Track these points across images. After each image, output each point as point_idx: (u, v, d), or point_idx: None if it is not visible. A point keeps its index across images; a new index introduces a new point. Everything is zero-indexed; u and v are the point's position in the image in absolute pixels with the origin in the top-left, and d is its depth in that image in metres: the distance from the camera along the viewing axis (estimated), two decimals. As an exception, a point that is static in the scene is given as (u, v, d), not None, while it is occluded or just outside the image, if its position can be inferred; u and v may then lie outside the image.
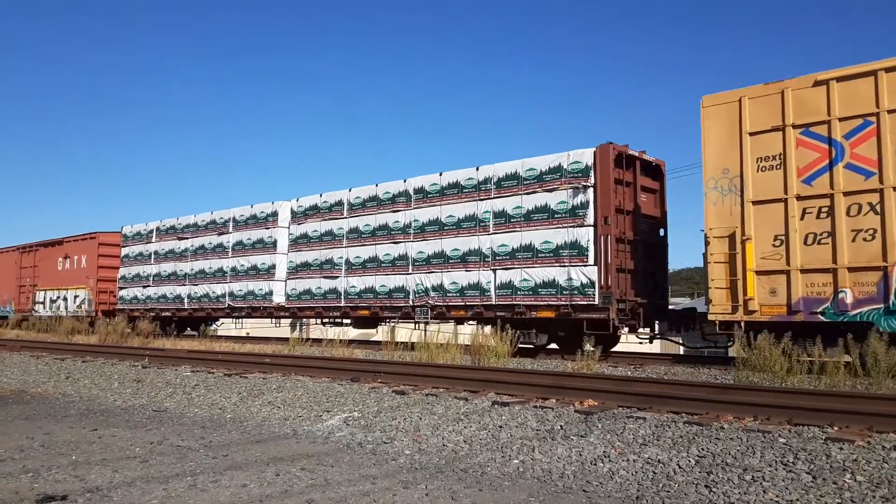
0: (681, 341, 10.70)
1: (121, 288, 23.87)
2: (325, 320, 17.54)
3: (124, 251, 24.03)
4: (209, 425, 7.16)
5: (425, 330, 14.66)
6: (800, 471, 4.46)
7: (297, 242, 18.07)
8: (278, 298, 18.10)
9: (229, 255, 19.85)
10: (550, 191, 12.94)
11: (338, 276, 16.73)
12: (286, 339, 18.63)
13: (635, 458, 5.03)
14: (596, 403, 6.71)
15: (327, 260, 17.09)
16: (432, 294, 14.53)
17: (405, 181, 15.61)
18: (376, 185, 16.33)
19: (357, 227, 16.55)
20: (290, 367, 10.38)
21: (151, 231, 22.90)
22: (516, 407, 6.71)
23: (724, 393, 6.70)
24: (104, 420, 7.59)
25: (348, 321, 17.06)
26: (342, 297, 16.53)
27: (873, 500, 3.98)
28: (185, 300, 20.97)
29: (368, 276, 16.05)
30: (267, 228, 18.84)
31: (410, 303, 14.94)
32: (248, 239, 19.32)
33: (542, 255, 12.82)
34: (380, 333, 21.25)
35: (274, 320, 20.23)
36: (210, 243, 20.61)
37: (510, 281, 13.26)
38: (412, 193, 15.36)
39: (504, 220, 13.60)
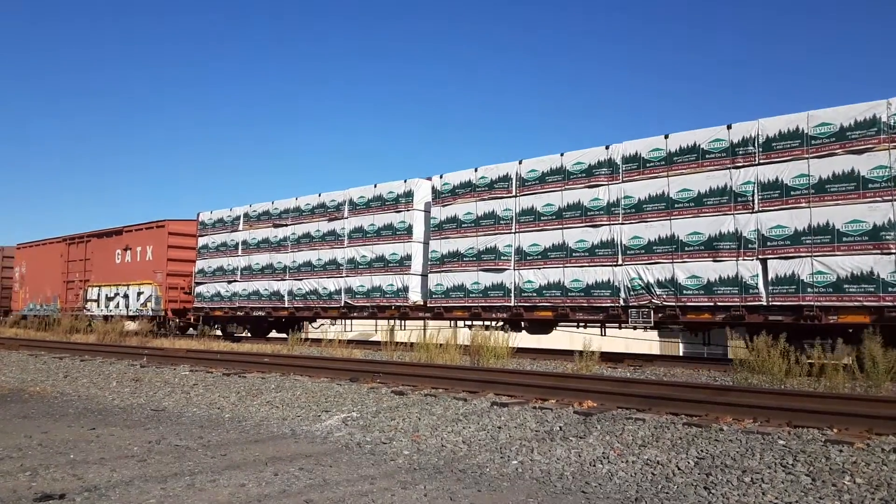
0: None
1: (198, 283, 20.39)
2: (486, 323, 13.99)
3: (202, 241, 20.52)
4: (207, 425, 7.15)
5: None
6: (799, 473, 4.46)
7: (443, 228, 14.63)
8: (415, 296, 15.05)
9: (344, 244, 16.56)
10: (859, 152, 9.83)
11: (504, 269, 13.47)
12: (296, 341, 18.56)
13: (634, 460, 5.03)
14: (595, 404, 6.71)
15: (488, 248, 13.75)
16: (658, 291, 11.40)
17: (607, 148, 12.36)
18: (561, 155, 12.98)
19: (532, 208, 13.17)
20: (288, 367, 10.38)
21: (238, 217, 19.48)
22: (515, 408, 6.71)
23: (723, 394, 6.70)
24: (102, 419, 7.58)
25: (499, 323, 13.86)
26: (511, 294, 13.31)
27: (872, 503, 3.98)
28: (286, 297, 17.67)
29: (552, 267, 12.75)
30: (398, 212, 15.55)
31: (620, 302, 11.83)
32: (371, 225, 16.06)
33: (849, 238, 9.79)
34: (378, 334, 21.13)
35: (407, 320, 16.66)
36: (318, 231, 17.24)
37: (793, 273, 10.20)
38: (620, 163, 12.09)
39: (778, 193, 10.46)
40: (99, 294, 24.00)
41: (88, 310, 24.20)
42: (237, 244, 19.45)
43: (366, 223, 16.26)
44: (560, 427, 5.98)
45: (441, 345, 11.59)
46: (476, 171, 14.31)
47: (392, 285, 15.41)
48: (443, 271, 14.60)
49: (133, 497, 4.37)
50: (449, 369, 9.33)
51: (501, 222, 13.70)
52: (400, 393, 7.88)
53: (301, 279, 17.43)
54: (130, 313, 22.25)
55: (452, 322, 14.77)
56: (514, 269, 13.36)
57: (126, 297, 22.70)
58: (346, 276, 16.40)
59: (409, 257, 15.24)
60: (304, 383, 8.95)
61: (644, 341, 16.83)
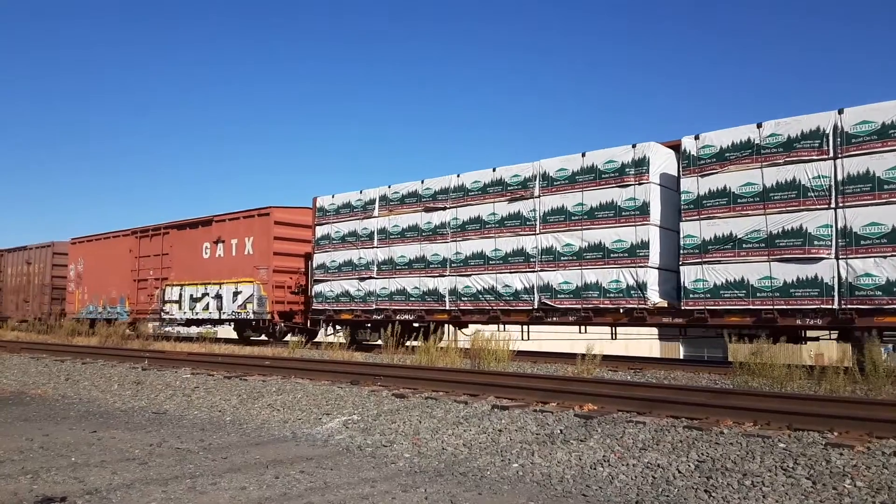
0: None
1: (317, 281, 16.96)
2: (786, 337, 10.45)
3: (321, 231, 17.02)
4: (209, 428, 7.16)
5: (434, 334, 13.09)
6: (799, 476, 4.46)
7: (703, 205, 11.11)
8: (654, 295, 11.74)
9: (536, 229, 13.04)
10: None
11: (820, 257, 9.99)
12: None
13: (635, 463, 5.04)
14: (596, 408, 6.71)
15: (789, 230, 10.24)
16: None
17: None
18: None
19: (868, 172, 9.70)
20: (289, 370, 10.38)
21: (372, 201, 16.04)
22: (516, 411, 6.71)
23: (723, 397, 6.70)
24: (104, 422, 7.59)
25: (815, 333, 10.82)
26: (833, 292, 9.86)
27: (873, 506, 3.98)
28: (447, 297, 14.29)
29: None
30: (623, 186, 12.05)
31: None
32: (579, 205, 12.53)
33: None
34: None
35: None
36: (493, 214, 13.76)
37: None
38: None
39: None
40: (181, 294, 20.51)
41: (167, 312, 20.93)
42: (371, 233, 15.99)
43: (569, 202, 12.67)
44: (561, 430, 5.98)
45: (442, 348, 11.60)
46: (760, 126, 10.75)
47: (617, 281, 11.95)
48: (706, 262, 11.06)
49: (134, 500, 4.38)
50: (450, 372, 9.33)
51: (810, 194, 10.13)
52: (401, 396, 7.89)
53: (469, 274, 13.98)
54: (224, 316, 19.10)
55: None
56: (838, 259, 9.88)
57: (218, 297, 19.26)
58: (541, 271, 12.90)
59: (643, 245, 11.75)
60: (305, 386, 8.96)
61: (644, 345, 16.83)
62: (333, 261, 16.66)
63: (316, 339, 18.72)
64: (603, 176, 12.39)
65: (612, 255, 12.13)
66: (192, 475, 5.01)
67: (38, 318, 26.10)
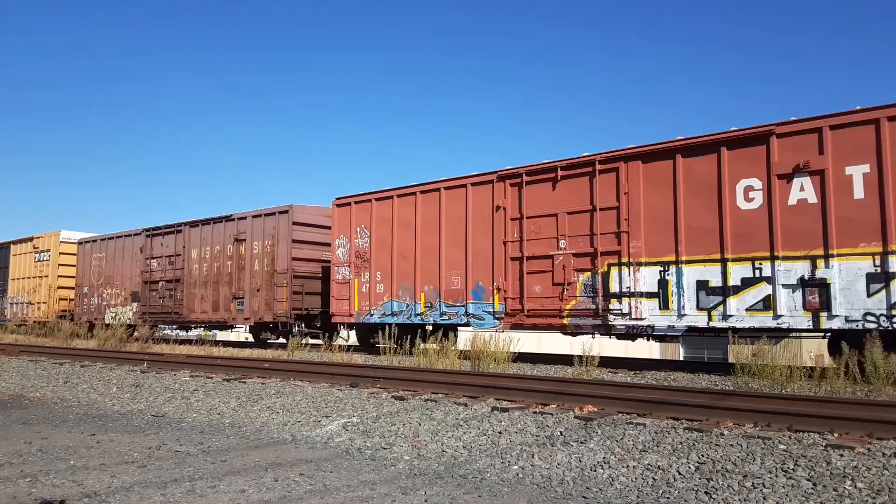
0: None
1: None
2: None
3: None
4: (208, 430, 7.15)
5: (426, 335, 13.46)
6: (800, 477, 4.45)
7: None
8: None
9: None
10: None
11: None
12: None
13: (635, 465, 5.03)
14: (596, 409, 6.70)
15: None
16: None
17: None
18: None
19: None
20: (289, 373, 10.37)
21: None
22: (516, 413, 6.71)
23: (723, 399, 6.69)
24: (102, 425, 7.58)
25: None
26: None
27: (874, 507, 3.97)
28: None
29: None
30: None
31: None
32: None
33: None
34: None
35: None
36: None
37: None
38: None
39: None
40: (668, 279, 10.82)
41: (618, 312, 11.34)
42: None
43: None
44: (561, 432, 5.97)
45: (441, 350, 11.58)
46: None
47: None
48: None
49: (133, 503, 4.36)
50: (449, 374, 9.32)
51: None
52: (400, 398, 7.88)
53: None
54: (836, 324, 9.25)
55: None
56: None
57: (809, 285, 9.49)
58: None
59: None
60: (305, 388, 8.94)
61: (644, 346, 16.83)
62: None
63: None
64: None
65: None
66: (191, 478, 5.00)
67: (264, 325, 18.02)
